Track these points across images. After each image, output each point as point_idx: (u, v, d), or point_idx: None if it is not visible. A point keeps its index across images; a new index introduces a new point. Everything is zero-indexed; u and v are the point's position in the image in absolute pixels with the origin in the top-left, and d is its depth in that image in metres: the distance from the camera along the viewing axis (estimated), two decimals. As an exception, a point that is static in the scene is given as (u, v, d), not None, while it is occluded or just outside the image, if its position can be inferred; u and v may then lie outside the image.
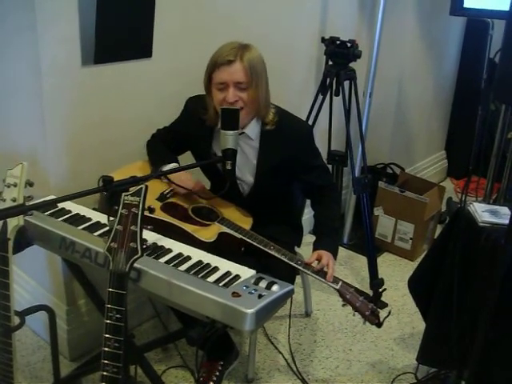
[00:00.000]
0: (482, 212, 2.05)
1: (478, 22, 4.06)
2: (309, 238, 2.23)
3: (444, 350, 2.15)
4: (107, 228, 1.78)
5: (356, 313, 2.00)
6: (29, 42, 1.97)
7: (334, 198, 2.31)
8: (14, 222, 1.62)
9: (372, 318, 1.98)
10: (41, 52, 1.96)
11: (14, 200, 1.60)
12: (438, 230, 3.59)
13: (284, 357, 2.52)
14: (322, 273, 1.99)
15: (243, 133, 2.11)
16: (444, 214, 3.88)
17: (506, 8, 2.83)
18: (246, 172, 2.21)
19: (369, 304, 1.99)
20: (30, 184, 1.64)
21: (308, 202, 2.67)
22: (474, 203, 2.11)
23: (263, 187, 2.21)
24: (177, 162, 2.25)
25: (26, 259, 2.39)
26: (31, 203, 1.66)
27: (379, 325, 2.00)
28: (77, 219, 1.88)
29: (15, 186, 1.61)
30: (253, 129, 2.13)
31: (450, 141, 4.80)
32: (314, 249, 2.12)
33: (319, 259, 2.03)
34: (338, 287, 1.97)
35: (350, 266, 3.31)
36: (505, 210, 2.08)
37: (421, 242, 3.46)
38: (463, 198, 2.10)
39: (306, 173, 2.21)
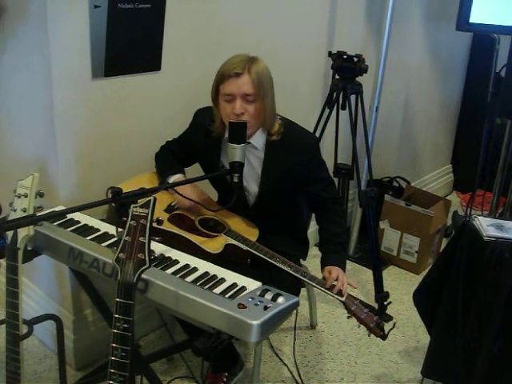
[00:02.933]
0: (487, 226, 2.06)
1: (484, 37, 4.08)
2: (313, 251, 2.24)
3: (449, 363, 2.15)
4: (115, 239, 1.81)
5: (361, 325, 2.01)
6: (41, 54, 2.00)
7: (339, 212, 2.27)
8: (24, 232, 1.64)
9: (377, 330, 1.98)
10: (52, 64, 1.99)
11: (24, 210, 1.63)
12: (444, 243, 3.59)
13: (289, 369, 2.53)
14: (330, 285, 2.00)
15: (249, 143, 2.12)
16: (450, 228, 3.88)
17: (512, 24, 2.86)
18: (250, 181, 2.22)
19: (374, 316, 1.99)
20: (40, 195, 1.67)
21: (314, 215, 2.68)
22: (479, 217, 2.12)
23: (267, 197, 2.22)
24: (183, 173, 2.27)
25: (34, 269, 2.43)
26: (41, 214, 1.68)
27: (384, 337, 2.01)
28: (85, 230, 1.91)
29: (26, 196, 1.63)
30: (258, 139, 2.15)
31: (456, 155, 4.82)
32: (323, 266, 2.12)
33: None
34: (343, 299, 1.98)
35: (355, 279, 3.31)
36: (510, 224, 2.09)
37: (426, 255, 3.46)
38: (468, 212, 2.11)
39: (311, 184, 2.21)
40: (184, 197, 2.01)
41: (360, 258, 3.55)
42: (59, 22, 1.96)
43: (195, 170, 2.34)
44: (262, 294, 1.61)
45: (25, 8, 2.01)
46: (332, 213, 2.25)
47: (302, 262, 2.38)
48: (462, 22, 3.12)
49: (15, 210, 1.64)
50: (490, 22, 3.08)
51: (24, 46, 2.09)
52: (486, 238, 2.01)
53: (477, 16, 3.07)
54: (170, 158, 2.32)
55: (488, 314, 1.94)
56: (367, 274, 3.31)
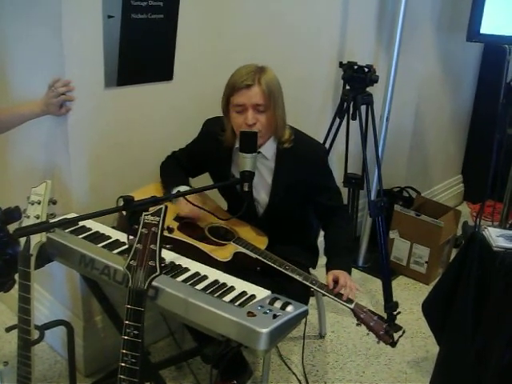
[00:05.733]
0: (497, 237, 2.06)
1: (494, 48, 4.08)
2: (323, 260, 2.25)
3: (458, 374, 2.15)
4: (126, 246, 1.82)
5: (370, 332, 2.00)
6: (54, 63, 2.04)
7: (346, 218, 2.30)
8: (36, 239, 1.66)
9: (386, 338, 1.98)
10: (66, 73, 2.02)
11: (37, 217, 1.65)
12: (454, 253, 3.58)
13: (297, 378, 2.53)
14: (338, 293, 2.00)
15: (259, 152, 2.12)
16: (460, 238, 3.87)
17: (523, 35, 2.86)
18: (260, 191, 2.23)
19: (383, 323, 1.98)
20: (53, 202, 1.69)
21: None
22: (489, 228, 2.12)
23: (278, 207, 2.23)
24: (188, 184, 2.25)
25: (45, 275, 2.45)
26: (54, 221, 1.70)
27: (393, 344, 1.99)
28: (96, 237, 1.92)
29: (39, 203, 1.65)
30: (269, 149, 2.16)
31: (467, 165, 4.80)
32: (328, 270, 2.11)
33: (336, 280, 2.03)
34: (352, 307, 1.98)
35: (364, 289, 3.31)
36: (520, 235, 2.09)
37: (436, 265, 3.45)
38: (478, 223, 2.11)
39: (318, 193, 2.22)
40: (195, 205, 2.02)
41: (369, 267, 3.54)
42: (73, 32, 1.99)
43: (204, 179, 2.36)
44: (272, 303, 1.62)
45: (39, 17, 2.05)
46: (337, 219, 2.26)
47: (311, 271, 2.38)
48: (473, 33, 3.13)
49: (28, 217, 1.66)
50: (501, 32, 3.09)
51: (38, 54, 2.12)
52: (495, 249, 2.01)
53: (487, 27, 3.08)
54: (175, 168, 2.32)
55: (498, 324, 1.93)
56: (376, 284, 3.30)
